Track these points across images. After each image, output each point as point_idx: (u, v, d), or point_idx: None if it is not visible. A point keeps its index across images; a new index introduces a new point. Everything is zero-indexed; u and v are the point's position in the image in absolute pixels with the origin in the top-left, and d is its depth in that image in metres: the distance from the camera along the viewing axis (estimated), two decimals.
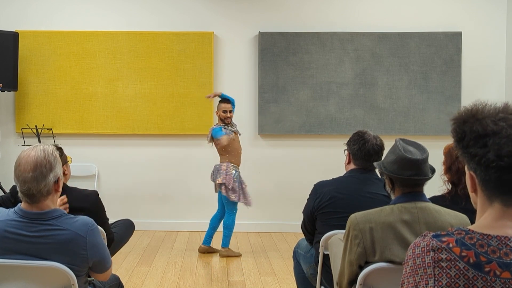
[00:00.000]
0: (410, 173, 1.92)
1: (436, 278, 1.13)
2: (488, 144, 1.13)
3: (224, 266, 4.53)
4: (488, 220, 1.17)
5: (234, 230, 4.85)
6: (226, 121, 4.81)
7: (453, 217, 1.94)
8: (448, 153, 2.46)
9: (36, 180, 1.81)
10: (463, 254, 1.11)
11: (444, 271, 1.12)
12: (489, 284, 1.09)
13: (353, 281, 1.99)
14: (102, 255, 1.98)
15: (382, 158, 2.14)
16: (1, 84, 5.31)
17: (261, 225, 5.90)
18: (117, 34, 5.81)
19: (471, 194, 1.25)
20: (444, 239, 1.15)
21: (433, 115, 5.82)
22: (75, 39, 5.79)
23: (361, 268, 1.95)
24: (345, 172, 2.74)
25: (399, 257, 1.86)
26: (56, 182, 1.88)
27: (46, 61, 5.80)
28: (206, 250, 4.95)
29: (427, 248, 1.16)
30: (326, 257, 2.52)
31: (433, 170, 2.01)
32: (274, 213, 5.91)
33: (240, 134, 4.98)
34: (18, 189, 1.86)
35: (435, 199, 2.35)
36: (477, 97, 6.34)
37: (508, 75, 5.90)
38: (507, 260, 1.09)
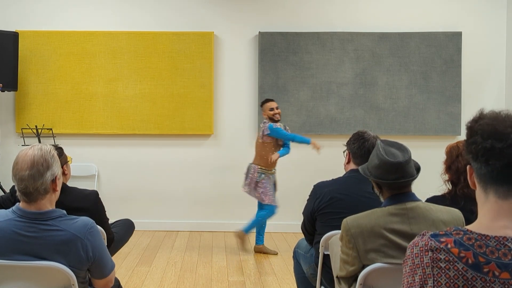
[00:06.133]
0: (395, 177, 1.92)
1: (435, 278, 1.13)
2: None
3: (224, 266, 4.53)
4: (486, 219, 1.17)
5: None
6: (275, 118, 4.81)
7: (445, 213, 1.95)
8: (449, 152, 2.46)
9: (33, 178, 1.82)
10: (462, 254, 1.11)
11: (443, 271, 1.12)
12: (488, 284, 1.09)
13: (352, 278, 1.99)
14: (100, 258, 1.96)
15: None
16: (1, 84, 5.31)
17: None
18: (117, 34, 5.81)
19: (476, 191, 1.25)
20: (442, 239, 1.15)
21: (433, 115, 5.82)
22: (75, 39, 5.79)
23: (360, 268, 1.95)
24: (344, 172, 2.74)
25: (394, 258, 1.86)
26: (54, 181, 1.88)
27: (46, 61, 5.80)
28: (260, 249, 5.00)
29: (426, 248, 1.16)
30: (326, 257, 2.52)
31: (418, 168, 2.00)
32: None
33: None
34: (16, 188, 1.86)
35: (435, 199, 2.35)
36: (477, 97, 6.38)
37: (508, 75, 5.90)
38: (506, 261, 1.09)
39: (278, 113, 4.84)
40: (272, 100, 4.91)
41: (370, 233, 1.90)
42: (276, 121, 4.82)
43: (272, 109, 4.82)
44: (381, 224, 1.90)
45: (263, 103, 4.95)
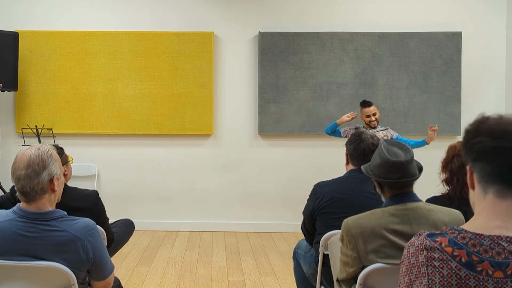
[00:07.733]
0: (397, 176, 1.92)
1: (429, 277, 1.14)
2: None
3: (224, 266, 4.54)
4: (481, 218, 1.17)
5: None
6: (371, 125, 4.77)
7: (446, 214, 1.95)
8: (447, 152, 2.48)
9: (28, 177, 1.83)
10: (455, 253, 1.12)
11: (437, 270, 1.13)
12: (481, 283, 1.09)
13: (352, 279, 1.99)
14: (100, 259, 1.96)
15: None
16: (1, 84, 5.31)
17: (261, 225, 5.90)
18: (117, 34, 5.81)
19: (470, 192, 1.25)
20: (437, 238, 1.16)
21: (433, 115, 5.82)
22: (75, 39, 5.79)
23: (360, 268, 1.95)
24: (345, 172, 2.74)
25: (394, 259, 1.86)
26: (51, 180, 1.88)
27: (46, 61, 5.80)
28: None
29: (421, 247, 1.17)
30: (326, 257, 2.52)
31: (420, 169, 2.00)
32: (274, 213, 5.91)
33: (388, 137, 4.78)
34: (15, 188, 1.87)
35: (435, 199, 2.36)
36: (477, 97, 6.37)
37: (508, 75, 5.90)
38: (500, 260, 1.10)
39: (375, 120, 4.73)
40: (368, 105, 4.75)
41: (371, 233, 1.90)
42: (373, 127, 4.76)
43: (368, 116, 4.77)
44: (381, 225, 1.90)
45: (361, 105, 4.83)
